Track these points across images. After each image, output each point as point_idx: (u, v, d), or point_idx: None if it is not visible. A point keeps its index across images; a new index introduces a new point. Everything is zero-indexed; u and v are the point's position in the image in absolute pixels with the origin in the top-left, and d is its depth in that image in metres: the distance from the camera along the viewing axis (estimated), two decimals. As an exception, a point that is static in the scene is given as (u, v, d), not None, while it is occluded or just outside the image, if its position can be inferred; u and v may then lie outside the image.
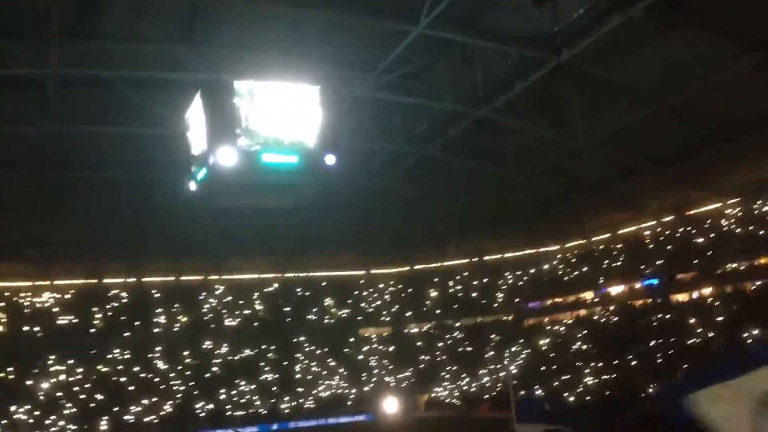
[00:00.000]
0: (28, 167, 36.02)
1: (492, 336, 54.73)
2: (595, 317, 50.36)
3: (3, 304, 48.65)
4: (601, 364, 43.65)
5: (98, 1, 24.66)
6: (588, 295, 52.53)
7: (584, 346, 47.50)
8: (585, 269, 53.15)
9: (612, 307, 49.61)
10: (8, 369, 45.16)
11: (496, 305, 57.26)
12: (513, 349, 51.89)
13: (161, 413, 45.83)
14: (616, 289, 50.45)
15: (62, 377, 46.43)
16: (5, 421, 41.50)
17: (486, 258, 58.97)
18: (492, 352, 52.81)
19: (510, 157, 38.23)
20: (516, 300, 56.47)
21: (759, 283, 41.02)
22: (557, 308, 54.39)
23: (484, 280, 58.51)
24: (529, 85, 28.54)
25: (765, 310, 36.22)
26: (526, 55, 27.55)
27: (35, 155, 34.57)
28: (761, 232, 41.90)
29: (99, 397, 45.48)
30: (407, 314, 58.78)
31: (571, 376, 44.56)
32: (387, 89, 30.71)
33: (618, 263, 50.90)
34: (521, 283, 57.26)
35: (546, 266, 56.25)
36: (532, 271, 56.84)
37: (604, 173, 41.31)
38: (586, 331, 48.76)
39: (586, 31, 24.96)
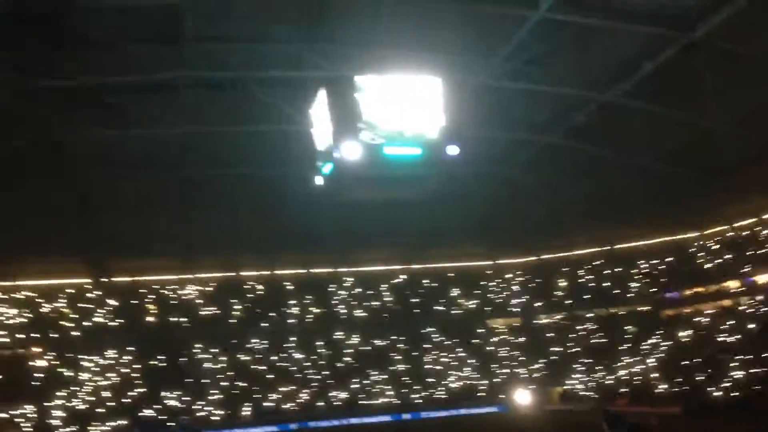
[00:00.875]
0: (169, 167, 38.50)
1: (627, 327, 52.70)
2: (741, 307, 47.29)
3: (153, 296, 52.32)
4: (750, 357, 41.00)
5: (225, 3, 25.88)
6: (732, 284, 49.38)
7: (730, 338, 44.78)
8: (728, 257, 50.00)
9: (760, 297, 46.39)
10: (159, 357, 48.62)
11: (630, 295, 55.03)
12: (651, 341, 49.74)
13: (298, 401, 47.71)
14: (764, 278, 47.12)
15: (207, 365, 49.34)
16: (156, 406, 44.74)
17: (618, 246, 56.75)
18: (628, 344, 50.88)
19: (638, 142, 36.56)
20: (652, 290, 54.03)
21: None
22: (698, 298, 51.49)
23: (617, 270, 56.34)
24: (659, 65, 27.16)
25: None
26: (655, 34, 26.23)
27: (175, 156, 36.86)
28: None
29: (241, 384, 47.95)
30: (537, 305, 57.72)
31: (715, 370, 42.16)
32: (509, 77, 30.25)
33: (765, 250, 47.47)
34: (656, 272, 54.68)
35: (684, 254, 53.38)
36: (669, 259, 54.14)
37: (741, 155, 38.58)
38: (732, 322, 45.96)
39: (720, 5, 23.45)
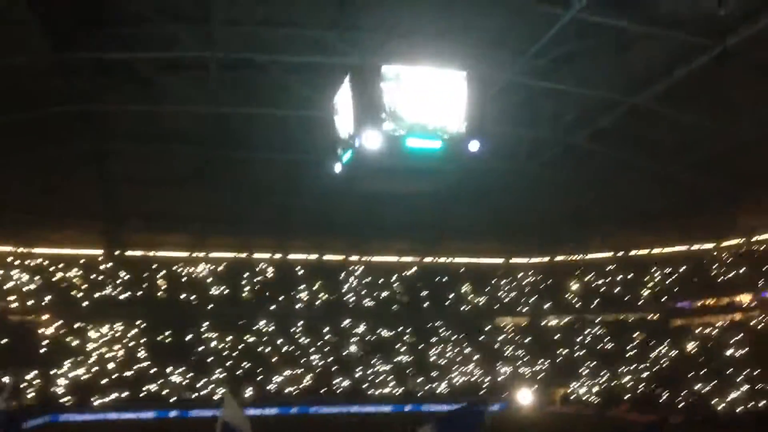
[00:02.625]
0: (190, 144, 38.58)
1: (635, 334, 52.40)
2: (753, 322, 46.82)
3: (164, 272, 52.54)
4: (758, 372, 40.63)
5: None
6: (745, 299, 48.91)
7: (738, 353, 44.40)
8: (743, 270, 49.48)
9: (773, 313, 45.92)
10: (166, 332, 48.88)
11: (641, 302, 54.68)
12: (657, 349, 49.43)
13: (301, 385, 47.87)
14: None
15: (213, 344, 49.56)
16: (162, 381, 45.04)
17: (632, 253, 56.33)
18: (634, 351, 50.61)
19: (664, 148, 36.13)
20: (663, 299, 53.64)
21: None
22: (709, 310, 51.07)
23: (629, 276, 55.96)
24: (689, 72, 26.76)
25: None
26: (688, 41, 25.83)
27: (198, 134, 36.90)
28: None
29: (245, 364, 48.13)
30: (545, 306, 57.52)
31: (720, 383, 41.84)
32: (536, 74, 29.90)
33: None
34: (669, 281, 54.25)
35: (698, 264, 52.89)
36: (683, 269, 53.68)
37: (765, 167, 38.04)
38: (741, 336, 45.54)
39: (755, 14, 23.04)
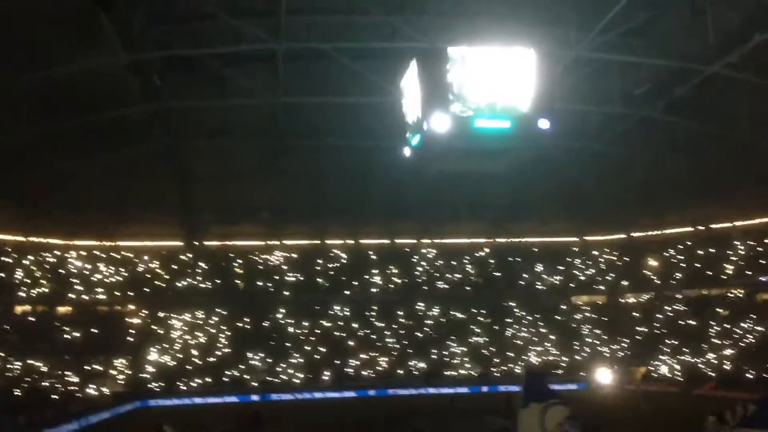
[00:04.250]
0: (261, 137, 39.38)
1: (718, 310, 50.74)
2: None
3: (241, 261, 54.01)
4: None
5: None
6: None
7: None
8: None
9: None
10: (245, 319, 50.31)
11: (724, 277, 52.84)
12: (743, 325, 47.76)
13: (377, 368, 48.52)
14: None
15: (290, 329, 50.71)
16: (243, 366, 46.47)
17: (713, 226, 54.40)
18: (718, 328, 49.05)
19: (743, 117, 34.67)
20: (748, 272, 51.66)
21: None
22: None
23: (711, 250, 54.10)
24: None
25: None
26: (765, 4, 24.70)
27: (268, 125, 37.64)
28: None
29: (322, 349, 49.11)
30: (623, 283, 56.33)
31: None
32: (605, 48, 29.15)
33: None
34: (753, 254, 52.19)
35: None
36: (767, 241, 51.53)
37: None
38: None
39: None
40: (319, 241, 55.37)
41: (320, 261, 55.06)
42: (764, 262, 51.00)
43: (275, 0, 25.58)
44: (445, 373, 48.94)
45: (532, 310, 54.60)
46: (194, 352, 47.30)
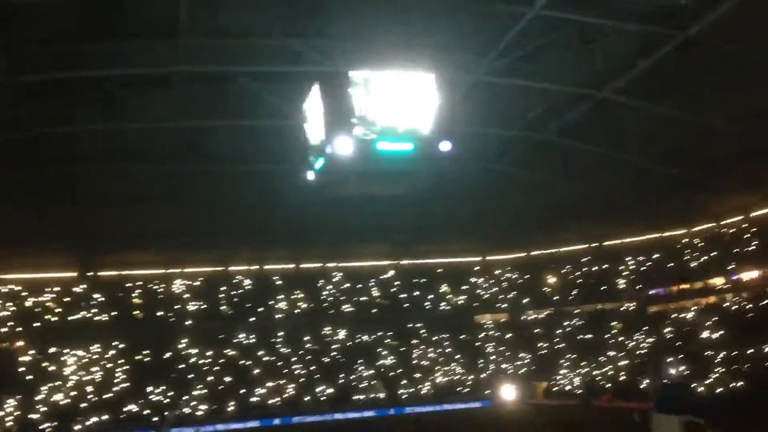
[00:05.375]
0: (160, 161, 38.09)
1: (613, 323, 53.01)
2: (726, 304, 47.64)
3: (139, 291, 51.93)
4: (734, 353, 41.35)
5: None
6: (718, 281, 49.74)
7: (714, 335, 45.13)
8: (714, 254, 50.30)
9: (745, 294, 46.74)
10: (144, 352, 48.28)
11: (617, 292, 55.32)
12: (636, 336, 50.04)
13: (284, 396, 47.60)
14: (749, 275, 47.45)
15: (193, 360, 49.07)
16: (142, 401, 44.47)
17: (606, 243, 57.02)
18: (613, 340, 51.19)
19: (632, 140, 36.58)
20: (639, 286, 54.30)
21: None
22: (684, 295, 51.83)
23: (605, 266, 56.64)
24: (653, 63, 27.21)
25: None
26: (651, 32, 26.23)
27: (165, 150, 36.50)
28: None
29: (227, 379, 47.74)
30: (524, 301, 57.96)
31: (699, 366, 42.47)
32: (503, 73, 30.11)
33: (751, 247, 47.78)
34: (644, 268, 54.96)
35: (671, 251, 53.65)
36: (656, 256, 54.42)
37: (734, 153, 38.68)
38: (716, 319, 46.30)
39: (714, 4, 23.52)
40: (222, 268, 54.09)
41: (224, 288, 53.73)
42: (654, 276, 53.81)
43: (173, 21, 24.93)
44: (353, 397, 48.62)
45: (438, 331, 55.23)
46: (90, 388, 44.89)
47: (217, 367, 48.68)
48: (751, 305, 45.38)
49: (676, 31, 25.47)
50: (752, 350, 40.55)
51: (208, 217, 44.93)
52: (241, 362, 49.72)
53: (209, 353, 49.53)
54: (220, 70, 28.66)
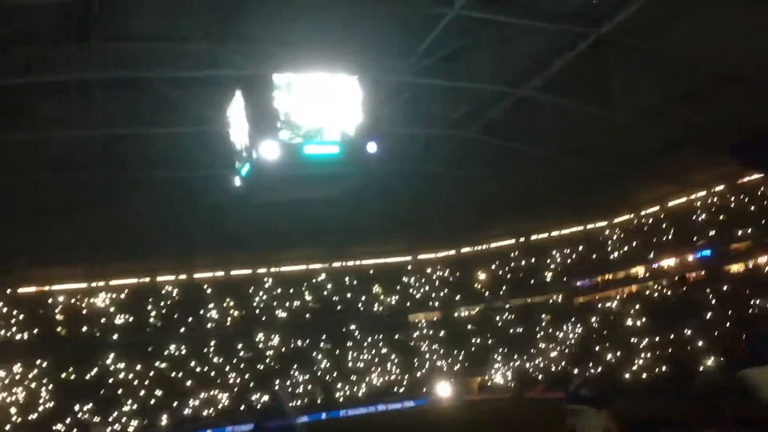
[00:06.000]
0: (75, 170, 36.62)
1: (543, 316, 54.31)
2: (648, 292, 49.52)
3: (61, 306, 50.00)
4: (657, 339, 42.98)
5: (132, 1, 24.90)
6: (639, 270, 51.67)
7: (638, 323, 46.82)
8: (635, 244, 52.22)
9: (665, 281, 48.70)
10: (69, 369, 46.53)
11: (545, 285, 56.71)
12: (565, 327, 51.42)
13: (219, 406, 46.74)
14: (668, 263, 49.48)
15: (121, 375, 47.61)
16: (69, 420, 42.85)
17: (533, 238, 58.35)
18: (543, 332, 52.45)
19: (552, 136, 37.53)
20: (565, 279, 55.82)
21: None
22: (608, 285, 53.63)
23: (532, 261, 57.99)
24: (569, 61, 28.02)
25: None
26: (566, 31, 27.01)
27: (83, 158, 35.19)
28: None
29: (158, 392, 46.53)
30: (456, 298, 58.68)
31: (625, 354, 43.99)
32: (425, 74, 30.34)
33: (669, 236, 49.85)
34: (570, 261, 56.55)
35: (593, 243, 55.39)
36: (581, 248, 56.08)
37: (649, 147, 40.23)
38: (638, 307, 48.04)
39: (626, 3, 24.42)
40: (148, 279, 52.70)
41: (151, 299, 52.34)
42: (579, 268, 55.43)
43: (86, 25, 24.07)
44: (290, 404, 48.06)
45: (372, 332, 55.32)
46: (14, 409, 42.96)
47: (147, 381, 47.38)
48: (670, 292, 47.31)
49: (590, 29, 26.28)
50: (673, 335, 42.25)
51: (132, 227, 43.63)
52: (172, 374, 48.53)
53: (138, 367, 48.15)
54: (137, 76, 27.83)
